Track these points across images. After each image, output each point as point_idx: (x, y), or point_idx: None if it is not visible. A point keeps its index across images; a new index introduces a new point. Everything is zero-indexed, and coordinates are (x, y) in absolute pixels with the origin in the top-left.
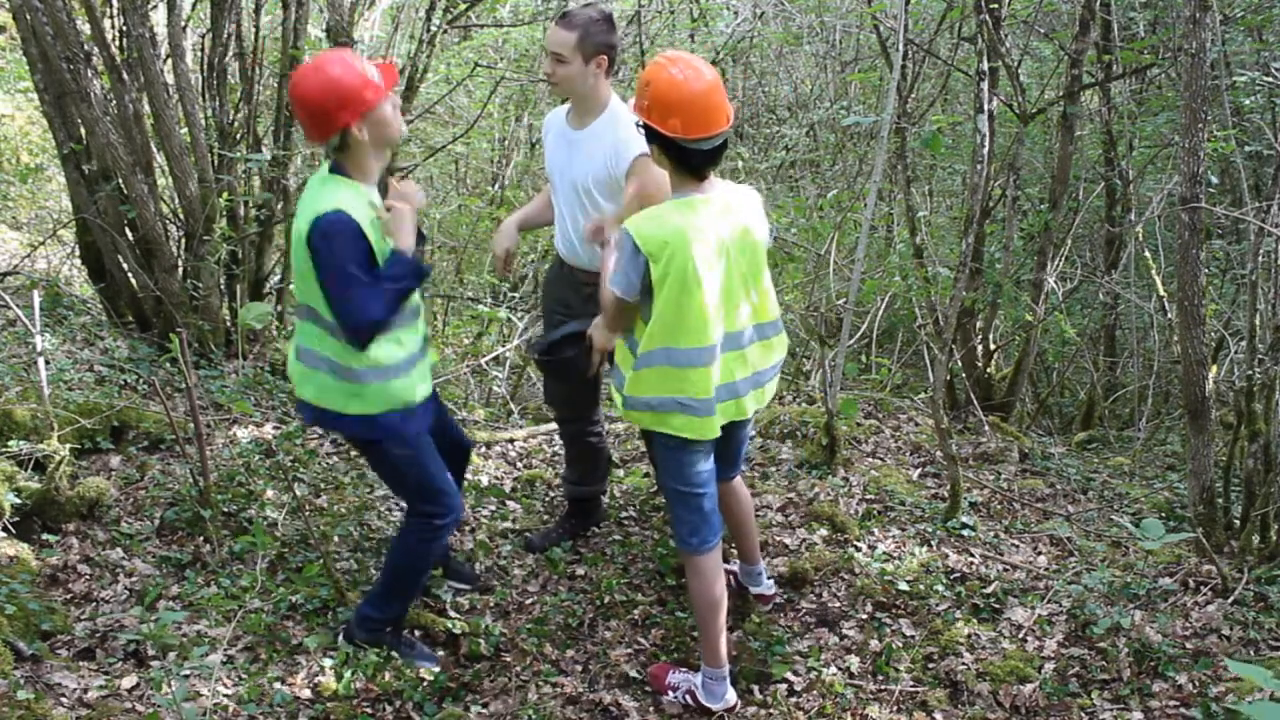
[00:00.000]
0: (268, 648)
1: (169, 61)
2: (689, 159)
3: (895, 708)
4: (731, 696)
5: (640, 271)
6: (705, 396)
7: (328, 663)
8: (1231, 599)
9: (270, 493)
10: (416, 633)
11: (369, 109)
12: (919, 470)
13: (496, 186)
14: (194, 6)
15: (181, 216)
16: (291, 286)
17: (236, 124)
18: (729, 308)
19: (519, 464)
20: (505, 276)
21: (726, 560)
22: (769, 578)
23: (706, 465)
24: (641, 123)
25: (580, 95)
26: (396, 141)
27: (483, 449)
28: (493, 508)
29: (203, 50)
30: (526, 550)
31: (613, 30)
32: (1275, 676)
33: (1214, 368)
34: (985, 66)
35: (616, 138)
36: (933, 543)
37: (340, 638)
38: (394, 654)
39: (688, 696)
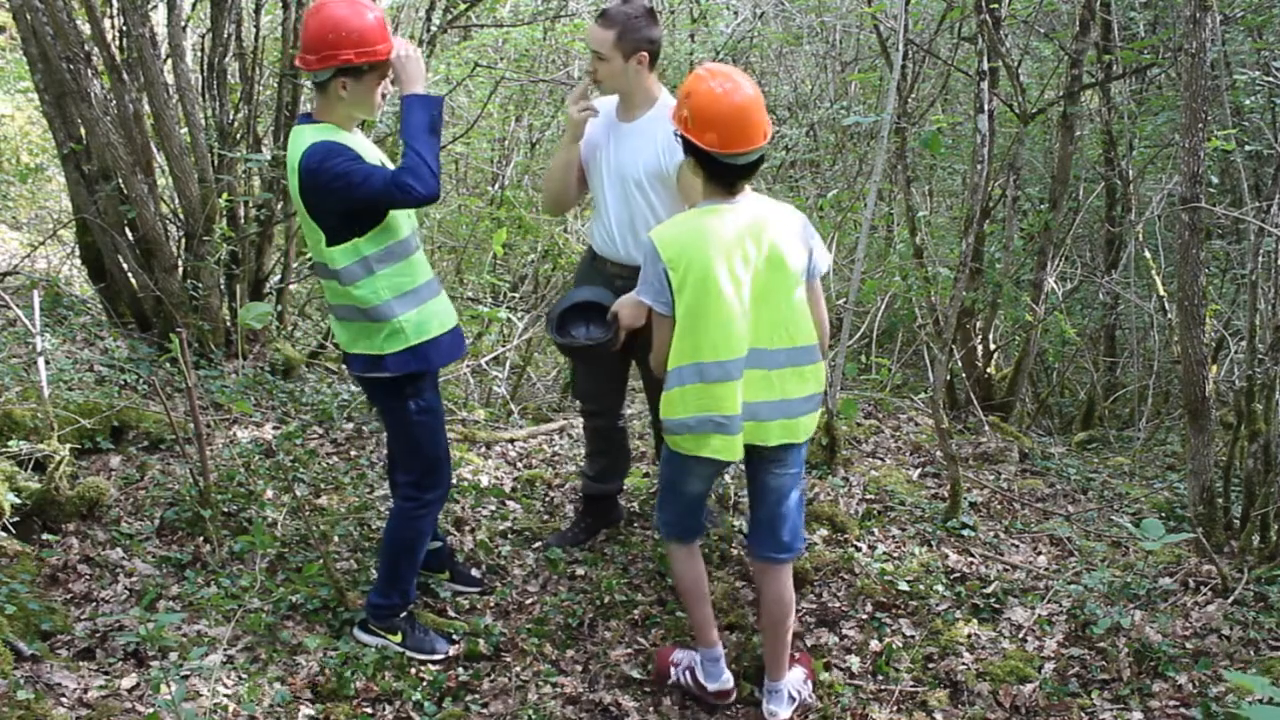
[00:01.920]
0: (268, 648)
1: (169, 61)
2: (723, 173)
3: (895, 708)
4: (728, 679)
5: (663, 279)
6: (734, 413)
7: (328, 663)
8: (1231, 599)
9: (270, 493)
10: None
11: (374, 60)
12: (919, 470)
13: (496, 187)
14: (194, 6)
15: (181, 216)
16: (292, 286)
17: (236, 124)
18: (758, 324)
19: (519, 464)
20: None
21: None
22: (789, 699)
23: (709, 482)
24: (679, 133)
25: (625, 91)
26: (368, 115)
27: (483, 449)
28: (493, 508)
29: (203, 50)
30: (547, 548)
31: (653, 24)
32: (1273, 682)
33: (1214, 368)
34: (985, 66)
35: (669, 131)
36: (933, 543)
37: (356, 630)
38: (409, 640)
39: (687, 674)
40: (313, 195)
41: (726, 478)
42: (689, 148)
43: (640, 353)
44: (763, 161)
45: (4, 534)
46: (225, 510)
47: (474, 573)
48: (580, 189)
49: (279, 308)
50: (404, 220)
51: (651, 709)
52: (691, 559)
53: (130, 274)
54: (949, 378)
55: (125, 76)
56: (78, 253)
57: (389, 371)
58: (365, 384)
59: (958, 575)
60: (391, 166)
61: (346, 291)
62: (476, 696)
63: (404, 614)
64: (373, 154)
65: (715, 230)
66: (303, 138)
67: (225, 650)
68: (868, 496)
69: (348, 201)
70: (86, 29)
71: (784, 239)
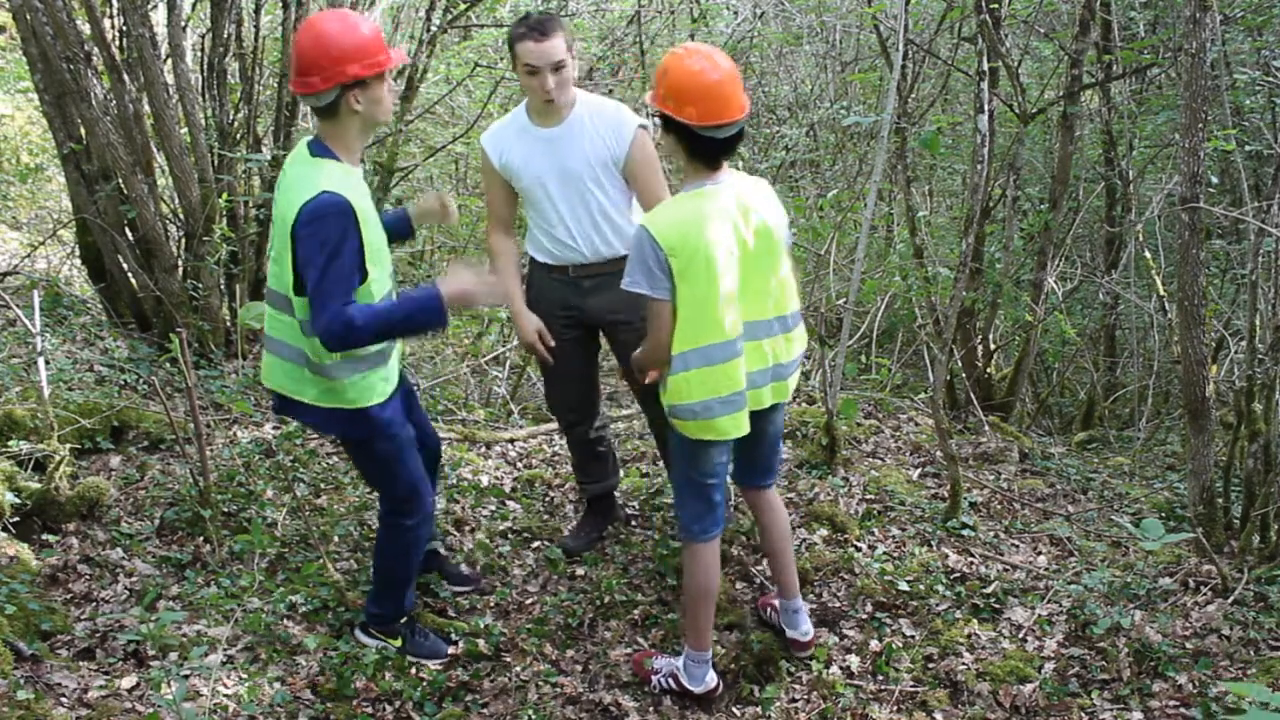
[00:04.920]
0: (268, 648)
1: (169, 61)
2: (704, 147)
3: (895, 708)
4: (713, 679)
5: (663, 267)
6: (740, 389)
7: (328, 663)
8: (1231, 599)
9: (270, 493)
10: None
11: (378, 71)
12: (919, 470)
13: None
14: (194, 6)
15: (181, 216)
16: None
17: (236, 124)
18: (750, 297)
19: (519, 464)
20: (546, 354)
21: (764, 591)
22: (807, 613)
23: (724, 457)
24: (657, 111)
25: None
26: (384, 121)
27: (483, 449)
28: (493, 508)
29: (203, 50)
30: (567, 555)
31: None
32: (1272, 683)
33: (1214, 368)
34: (985, 66)
35: (605, 117)
36: (933, 543)
37: (357, 631)
38: (409, 644)
39: (670, 680)
40: (295, 244)
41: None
42: (670, 124)
43: (627, 348)
44: (742, 137)
45: (4, 534)
46: (225, 510)
47: (463, 569)
48: (512, 212)
49: None
50: (379, 283)
51: (651, 709)
52: (712, 559)
53: (130, 274)
54: (949, 378)
55: (125, 76)
56: (78, 253)
57: (313, 425)
58: (319, 423)
59: (958, 575)
60: (373, 212)
61: (298, 335)
62: (476, 696)
63: (403, 619)
64: (366, 200)
65: (710, 213)
66: (317, 176)
67: (225, 650)
68: (868, 496)
69: (303, 276)
70: (86, 29)
71: (769, 212)
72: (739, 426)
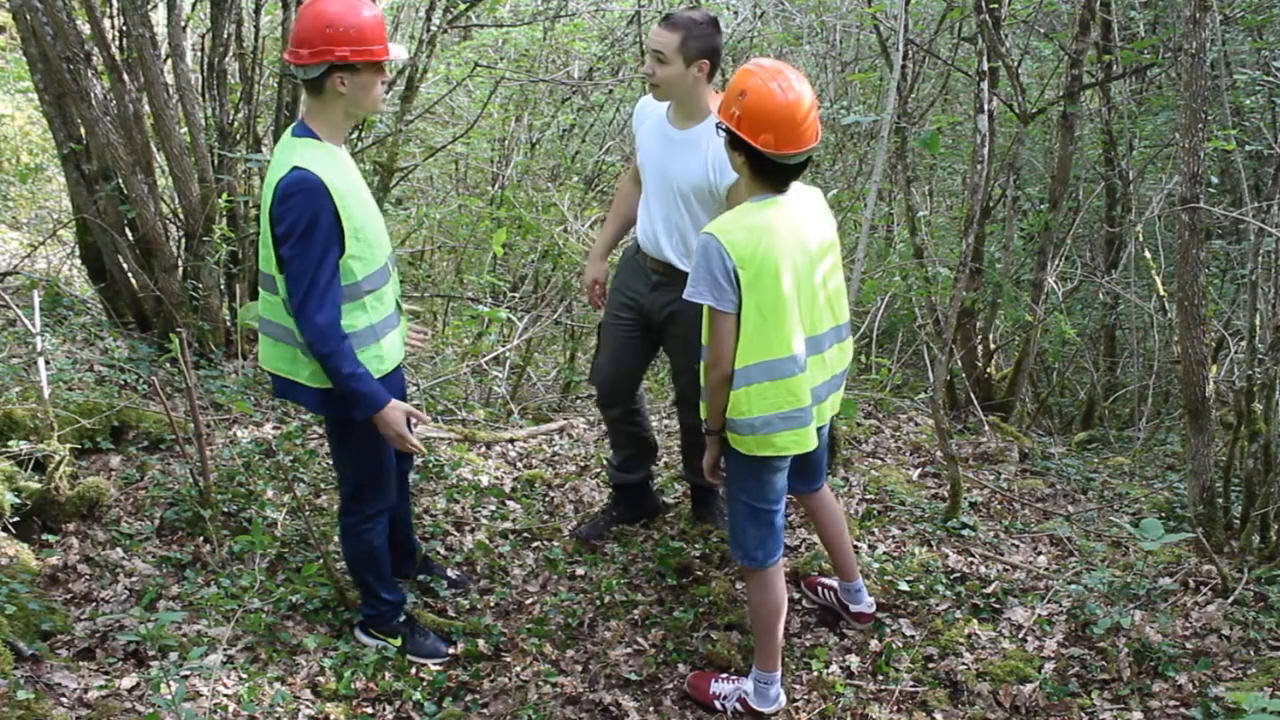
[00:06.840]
0: (268, 648)
1: (169, 61)
2: (774, 173)
3: (895, 708)
4: (783, 699)
5: (731, 279)
6: (806, 404)
7: (328, 663)
8: (1231, 599)
9: (270, 493)
10: None
11: (370, 59)
12: (919, 470)
13: (496, 186)
14: (194, 6)
15: (181, 216)
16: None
17: (236, 124)
18: (813, 310)
19: (519, 464)
20: (599, 306)
21: (824, 575)
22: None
23: (784, 479)
24: (725, 127)
25: (680, 98)
26: (369, 112)
27: (483, 449)
28: (493, 508)
29: (203, 50)
30: (581, 542)
31: (717, 34)
32: (1272, 683)
33: (1214, 368)
34: (985, 66)
35: (720, 147)
36: (933, 543)
37: (357, 631)
38: (408, 644)
39: (737, 704)
40: (272, 222)
41: None
42: (738, 143)
43: (675, 353)
44: (811, 160)
45: (4, 534)
46: (225, 510)
47: (450, 572)
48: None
49: None
50: (363, 262)
51: (651, 709)
52: (780, 580)
53: (130, 274)
54: (949, 378)
55: (125, 76)
56: (78, 253)
57: (308, 405)
58: (315, 404)
59: (958, 575)
60: (364, 191)
61: (284, 314)
62: (476, 696)
63: (402, 619)
64: (349, 177)
65: (779, 224)
66: (290, 155)
67: (225, 650)
68: (868, 496)
69: (280, 251)
70: (86, 29)
71: (829, 222)
72: (801, 443)
